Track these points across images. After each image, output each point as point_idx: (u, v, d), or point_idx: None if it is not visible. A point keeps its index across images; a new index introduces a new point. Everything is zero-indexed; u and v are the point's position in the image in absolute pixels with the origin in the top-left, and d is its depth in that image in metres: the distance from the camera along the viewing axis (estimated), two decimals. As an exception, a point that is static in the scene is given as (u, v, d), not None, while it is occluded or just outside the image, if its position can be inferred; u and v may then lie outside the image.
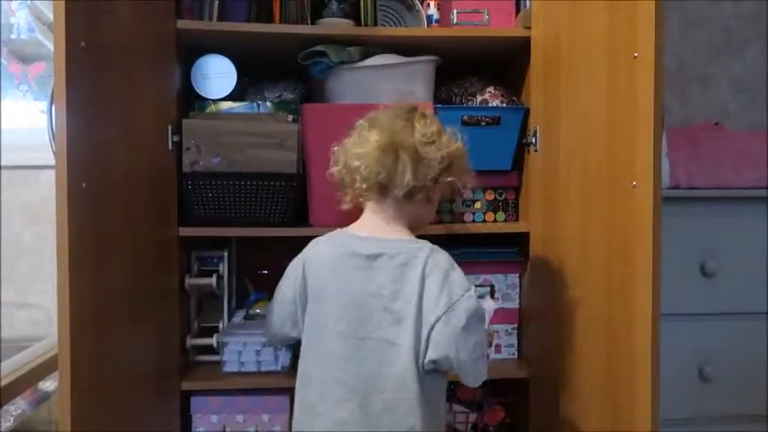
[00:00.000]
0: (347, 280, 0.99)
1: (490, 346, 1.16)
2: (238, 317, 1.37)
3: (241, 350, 1.25)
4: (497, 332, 1.40)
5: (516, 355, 1.42)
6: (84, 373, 0.88)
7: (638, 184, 0.91)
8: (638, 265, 0.96)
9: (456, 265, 1.00)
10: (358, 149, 1.01)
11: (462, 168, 1.06)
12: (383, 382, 0.96)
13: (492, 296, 1.40)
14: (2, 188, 1.64)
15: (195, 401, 1.26)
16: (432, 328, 0.95)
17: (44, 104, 1.67)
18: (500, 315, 1.41)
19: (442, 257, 1.00)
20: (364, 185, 1.00)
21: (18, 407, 1.25)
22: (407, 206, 1.02)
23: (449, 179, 1.03)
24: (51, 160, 1.66)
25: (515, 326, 1.42)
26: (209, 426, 1.25)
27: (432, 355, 0.95)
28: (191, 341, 1.30)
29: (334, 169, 1.07)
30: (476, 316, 0.97)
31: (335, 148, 1.08)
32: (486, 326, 1.05)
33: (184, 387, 1.24)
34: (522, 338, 1.42)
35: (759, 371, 1.31)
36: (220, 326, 1.34)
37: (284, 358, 1.27)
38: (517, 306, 1.42)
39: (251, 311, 1.39)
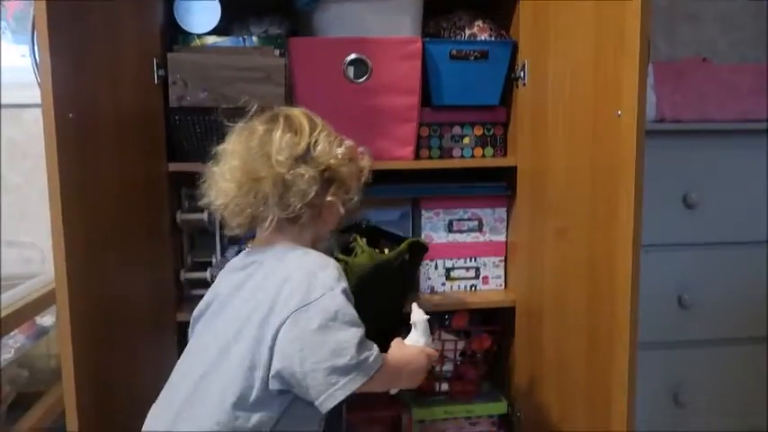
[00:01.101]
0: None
1: (431, 370, 1.00)
2: (231, 252, 1.40)
3: (235, 284, 1.28)
4: (484, 265, 1.44)
5: (503, 286, 1.46)
6: (81, 306, 0.90)
7: (623, 113, 0.93)
8: (621, 193, 0.98)
9: (332, 268, 0.85)
10: (220, 184, 0.89)
11: (347, 180, 0.92)
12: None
13: (480, 230, 1.43)
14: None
15: (191, 333, 1.29)
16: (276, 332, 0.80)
17: (24, 48, 1.65)
18: (488, 247, 1.45)
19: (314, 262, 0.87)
20: (234, 223, 0.90)
21: (16, 340, 1.29)
22: (295, 230, 0.90)
23: (329, 199, 0.90)
24: (33, 98, 1.65)
25: (502, 258, 1.46)
26: (205, 356, 1.29)
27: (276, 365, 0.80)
28: (185, 275, 1.32)
29: (204, 201, 0.94)
30: (338, 317, 0.80)
31: (206, 178, 0.94)
32: (423, 339, 0.93)
33: (180, 319, 1.27)
34: (509, 270, 1.46)
35: (737, 297, 1.36)
36: (213, 260, 1.36)
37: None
38: (504, 239, 1.45)
39: (243, 246, 1.41)
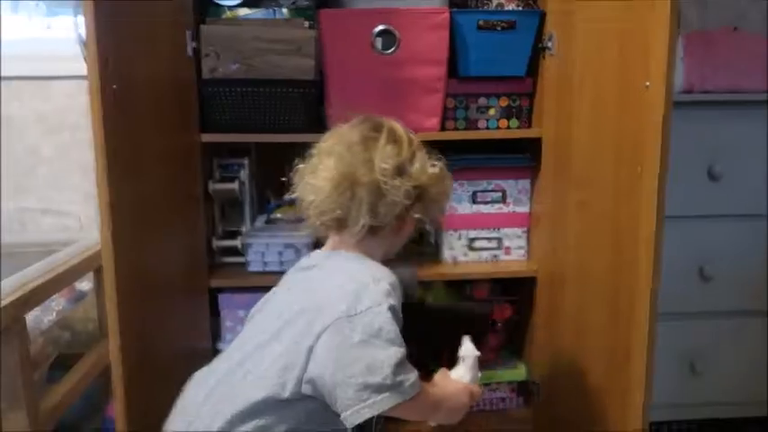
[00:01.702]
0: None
1: (471, 408, 0.92)
2: (260, 221, 1.44)
3: (264, 251, 1.33)
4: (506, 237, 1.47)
5: (526, 257, 1.48)
6: (125, 270, 0.94)
7: (652, 85, 0.93)
8: (647, 164, 0.99)
9: (385, 283, 0.84)
10: (312, 181, 0.89)
11: (435, 199, 0.92)
12: None
13: (504, 201, 1.45)
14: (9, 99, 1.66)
15: (223, 298, 1.34)
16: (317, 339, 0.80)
17: (48, 20, 1.68)
18: (511, 218, 1.47)
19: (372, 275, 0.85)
20: (318, 222, 0.90)
21: (58, 303, 1.34)
22: (371, 240, 0.90)
23: (416, 216, 0.90)
24: (62, 71, 1.68)
25: (525, 229, 1.48)
26: (236, 320, 1.34)
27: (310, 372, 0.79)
28: (216, 243, 1.37)
29: (293, 195, 0.95)
30: (380, 334, 0.79)
31: (295, 174, 0.94)
32: (469, 375, 0.92)
33: (212, 285, 1.32)
34: (531, 241, 1.48)
35: (759, 270, 1.37)
36: (243, 229, 1.41)
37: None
38: (527, 210, 1.47)
39: (272, 216, 1.45)
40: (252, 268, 1.34)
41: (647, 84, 0.94)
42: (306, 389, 0.79)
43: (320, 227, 0.92)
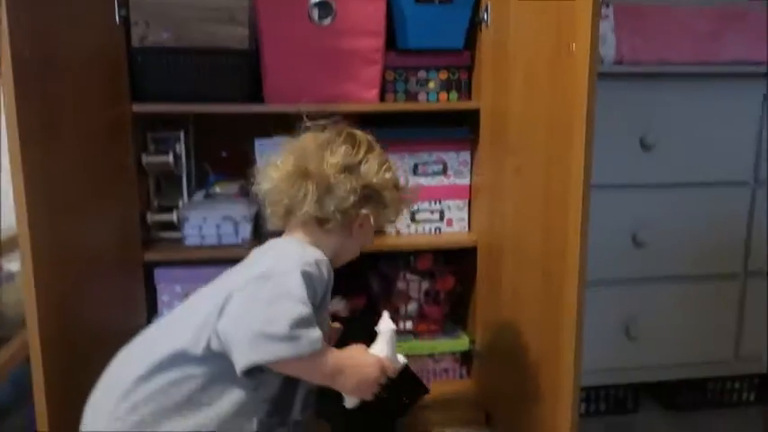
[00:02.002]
0: None
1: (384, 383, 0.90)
2: (199, 196, 1.41)
3: (201, 225, 1.31)
4: (447, 208, 1.48)
5: (467, 229, 1.50)
6: (44, 250, 0.91)
7: (577, 48, 0.95)
8: (575, 129, 1.01)
9: (308, 255, 0.88)
10: (270, 172, 0.94)
11: (386, 204, 0.95)
12: None
13: (445, 173, 1.46)
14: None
15: (159, 273, 1.32)
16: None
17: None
18: (452, 190, 1.48)
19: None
20: (270, 211, 0.96)
21: (-15, 283, 1.30)
22: (321, 234, 0.93)
23: (363, 212, 0.93)
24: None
25: (466, 201, 1.49)
26: (173, 295, 1.32)
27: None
28: (151, 217, 1.34)
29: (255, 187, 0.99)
30: (289, 294, 0.82)
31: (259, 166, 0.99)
32: (387, 349, 0.91)
33: (147, 258, 1.30)
34: (472, 212, 1.50)
35: (689, 237, 1.42)
36: (180, 204, 1.38)
37: (244, 231, 1.33)
38: (468, 182, 1.49)
39: (211, 191, 1.43)
40: (189, 242, 1.32)
41: (573, 46, 0.95)
42: (214, 343, 0.81)
43: (273, 217, 0.96)
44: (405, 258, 1.48)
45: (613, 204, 1.37)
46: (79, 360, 1.02)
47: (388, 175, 0.95)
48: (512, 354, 1.31)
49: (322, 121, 0.96)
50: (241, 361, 0.78)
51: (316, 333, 0.81)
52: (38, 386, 0.93)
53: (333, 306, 0.95)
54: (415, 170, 1.45)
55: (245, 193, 1.46)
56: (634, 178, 1.38)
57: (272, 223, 0.99)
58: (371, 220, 0.95)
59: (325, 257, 0.90)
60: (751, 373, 1.60)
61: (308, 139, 0.94)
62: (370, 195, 0.93)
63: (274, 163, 0.94)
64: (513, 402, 1.31)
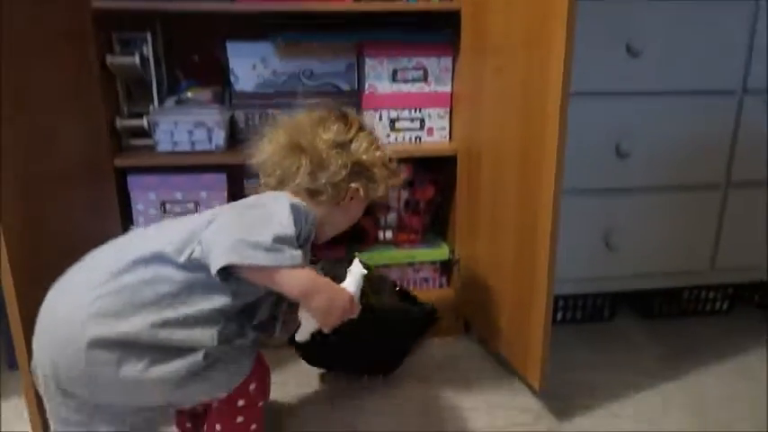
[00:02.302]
0: None
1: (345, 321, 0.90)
2: (170, 102, 1.37)
3: (173, 130, 1.27)
4: (428, 116, 1.44)
5: (448, 138, 1.47)
6: (8, 154, 0.88)
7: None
8: (555, 30, 0.97)
9: (295, 198, 0.93)
10: (264, 145, 0.99)
11: (375, 180, 1.00)
12: None
13: (426, 80, 1.41)
14: None
15: (132, 180, 1.30)
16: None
17: None
18: (433, 98, 1.44)
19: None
20: (262, 181, 0.99)
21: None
22: (311, 204, 0.96)
23: (353, 185, 0.97)
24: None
25: (447, 109, 1.45)
26: (147, 203, 1.30)
27: None
28: (121, 122, 1.30)
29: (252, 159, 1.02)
30: (273, 218, 0.85)
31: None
32: (353, 288, 0.92)
33: (117, 164, 1.27)
34: (453, 121, 1.46)
35: (675, 147, 1.39)
36: (150, 109, 1.34)
37: (218, 138, 1.30)
38: (449, 90, 1.44)
39: (182, 96, 1.38)
40: (161, 148, 1.28)
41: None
42: (197, 252, 0.81)
43: (265, 188, 0.99)
44: (384, 168, 1.46)
45: (597, 112, 1.33)
46: (51, 270, 1.01)
47: (377, 153, 1.00)
48: (490, 262, 1.32)
49: (314, 101, 1.02)
50: (219, 260, 0.78)
51: (298, 253, 0.82)
52: (9, 299, 0.93)
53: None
54: (394, 76, 1.40)
55: (219, 99, 1.41)
56: (620, 86, 1.33)
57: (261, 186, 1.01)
58: (361, 194, 0.99)
59: (313, 214, 0.93)
60: (726, 283, 1.63)
61: (301, 117, 0.99)
62: (360, 171, 0.98)
63: (268, 136, 0.99)
64: (490, 310, 1.33)
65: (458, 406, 1.25)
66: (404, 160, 1.44)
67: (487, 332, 1.38)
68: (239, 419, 0.89)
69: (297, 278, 0.82)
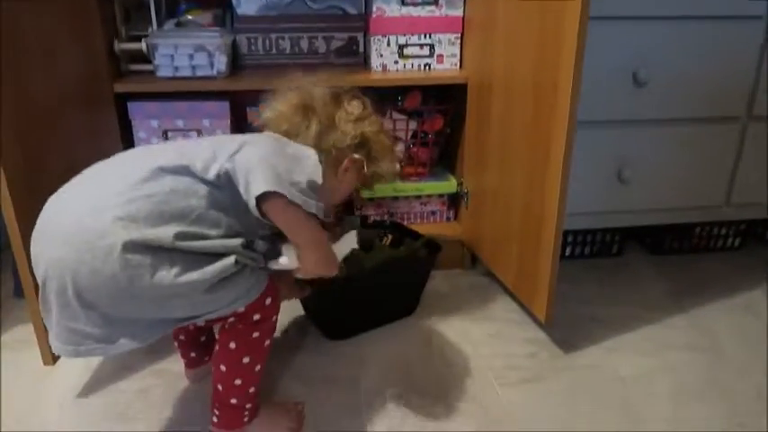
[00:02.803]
0: None
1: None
2: (170, 24, 1.32)
3: (173, 54, 1.22)
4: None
5: (458, 65, 1.41)
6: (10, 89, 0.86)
7: None
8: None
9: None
10: (275, 104, 0.98)
11: (379, 155, 1.01)
12: None
13: (436, 3, 1.35)
14: None
15: (133, 107, 1.26)
16: None
17: None
18: (444, 23, 1.37)
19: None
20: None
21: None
22: None
23: (357, 157, 0.98)
24: None
25: (458, 35, 1.39)
26: (149, 131, 1.28)
27: None
28: (119, 45, 1.25)
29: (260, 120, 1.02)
30: (306, 162, 0.87)
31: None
32: (337, 250, 0.95)
33: (118, 90, 1.23)
34: (464, 48, 1.40)
35: (695, 76, 1.33)
36: (149, 31, 1.28)
37: (220, 63, 1.25)
38: (461, 14, 1.37)
39: (182, 19, 1.32)
40: (161, 73, 1.24)
41: None
42: (224, 176, 0.81)
43: None
44: (392, 97, 1.41)
45: (615, 38, 1.27)
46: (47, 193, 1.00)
47: (386, 139, 1.03)
48: (499, 194, 1.29)
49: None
50: (260, 187, 0.79)
51: (321, 205, 0.84)
52: (12, 229, 0.92)
53: None
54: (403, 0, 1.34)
55: (220, 22, 1.36)
56: (639, 10, 1.26)
57: None
58: (361, 168, 0.99)
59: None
60: (739, 220, 1.60)
61: (317, 89, 0.99)
62: (365, 146, 0.99)
63: (280, 96, 0.98)
64: (497, 243, 1.31)
65: (462, 336, 1.25)
66: (412, 89, 1.42)
67: (495, 265, 1.37)
68: (255, 335, 0.89)
69: (311, 227, 0.86)
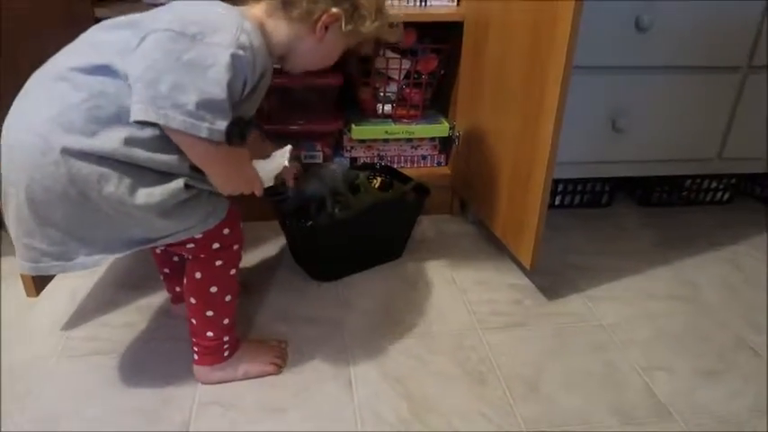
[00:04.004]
0: None
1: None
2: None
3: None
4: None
5: (456, 2, 1.36)
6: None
7: None
8: None
9: (245, 38, 0.78)
10: None
11: (361, 11, 0.87)
12: None
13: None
14: None
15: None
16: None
17: None
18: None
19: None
20: None
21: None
22: (282, 20, 0.85)
23: (334, 10, 0.85)
24: None
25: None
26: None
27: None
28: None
29: None
30: (209, 70, 0.74)
31: None
32: (264, 168, 0.88)
33: (99, 15, 1.17)
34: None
35: (697, 22, 1.29)
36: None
37: None
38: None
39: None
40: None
41: None
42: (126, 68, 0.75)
43: None
44: (386, 34, 1.36)
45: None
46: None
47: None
48: (491, 139, 1.27)
49: None
50: (138, 113, 0.73)
51: (221, 124, 0.75)
52: None
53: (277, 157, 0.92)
54: (401, -71, 1.27)
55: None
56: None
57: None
58: (341, 26, 0.86)
59: (264, 47, 0.81)
60: (730, 173, 1.59)
61: None
62: (354, 3, 0.86)
63: None
64: (487, 188, 1.30)
65: (447, 281, 1.26)
66: (407, 26, 1.37)
67: (483, 211, 1.36)
68: (218, 263, 0.89)
69: (204, 150, 0.77)
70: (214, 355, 0.95)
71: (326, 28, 0.87)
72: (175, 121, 0.73)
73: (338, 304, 1.17)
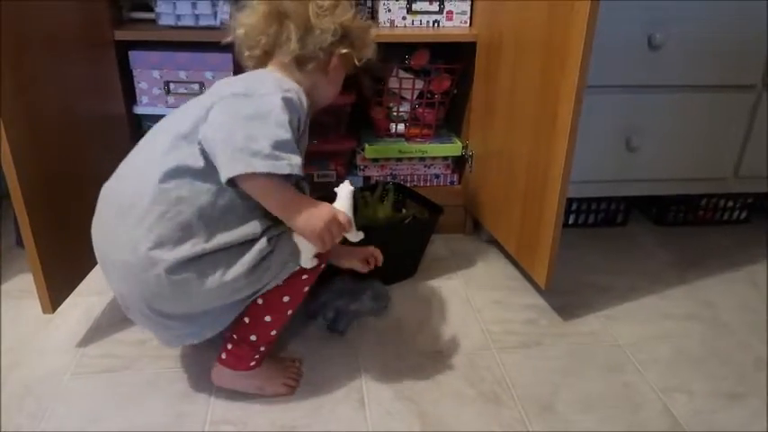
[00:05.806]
0: None
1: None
2: (172, -28, 1.27)
3: (175, 1, 1.19)
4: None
5: (468, 23, 1.37)
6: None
7: None
8: None
9: (285, 81, 0.89)
10: (243, 19, 0.94)
11: (361, 40, 0.97)
12: None
13: None
14: None
15: (134, 56, 1.23)
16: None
17: None
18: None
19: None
20: (247, 53, 0.96)
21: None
22: (299, 74, 0.93)
23: (343, 51, 0.95)
24: None
25: (470, -5, 1.35)
26: (151, 82, 1.25)
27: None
28: (119, -9, 1.22)
29: (230, 37, 0.98)
30: (270, 116, 0.81)
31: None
32: (338, 206, 0.87)
33: (118, 37, 1.20)
34: (475, 5, 1.35)
35: (710, 40, 1.29)
36: (152, -21, 1.25)
37: (223, 12, 1.22)
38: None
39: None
40: (163, 21, 1.21)
41: None
42: (203, 144, 0.82)
43: (250, 62, 0.96)
44: (399, 54, 1.38)
45: (630, 5, 1.23)
46: (51, 149, 0.99)
47: (363, 22, 0.98)
48: (504, 158, 1.27)
49: None
50: (223, 172, 0.78)
51: (297, 158, 0.80)
52: (11, 180, 0.91)
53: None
54: (413, -48, 1.29)
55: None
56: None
57: (243, 63, 0.98)
58: (351, 60, 0.96)
59: (302, 89, 0.90)
60: (746, 192, 1.57)
61: None
62: (346, 36, 0.95)
63: (246, 8, 0.94)
64: (500, 208, 1.30)
65: (460, 300, 1.25)
66: (420, 47, 1.38)
67: (497, 230, 1.35)
68: (304, 277, 0.91)
69: (283, 190, 0.81)
70: (242, 361, 0.95)
71: (335, 67, 0.96)
72: (259, 165, 0.77)
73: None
